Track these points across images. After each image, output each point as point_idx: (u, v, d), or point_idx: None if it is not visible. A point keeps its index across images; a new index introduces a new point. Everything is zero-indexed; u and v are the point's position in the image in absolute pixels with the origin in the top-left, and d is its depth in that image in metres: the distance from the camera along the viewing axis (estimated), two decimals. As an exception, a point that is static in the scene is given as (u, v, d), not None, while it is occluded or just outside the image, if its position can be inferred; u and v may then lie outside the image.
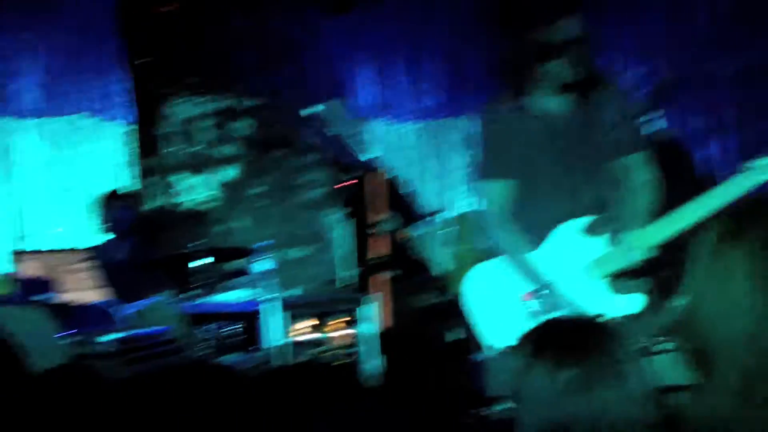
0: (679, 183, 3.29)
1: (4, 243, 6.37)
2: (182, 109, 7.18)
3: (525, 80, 3.25)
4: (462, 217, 6.35)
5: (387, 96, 7.13)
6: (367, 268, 5.94)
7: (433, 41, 6.92)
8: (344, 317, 5.19)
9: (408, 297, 5.94)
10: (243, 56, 7.06)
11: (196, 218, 6.94)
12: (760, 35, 5.53)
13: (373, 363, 5.02)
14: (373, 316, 5.17)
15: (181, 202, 7.09)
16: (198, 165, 7.15)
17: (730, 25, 5.64)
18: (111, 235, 5.91)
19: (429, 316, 5.87)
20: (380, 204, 6.03)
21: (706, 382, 1.66)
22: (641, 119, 3.51)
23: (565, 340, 1.78)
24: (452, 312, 4.07)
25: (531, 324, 1.92)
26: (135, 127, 7.05)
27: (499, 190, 3.34)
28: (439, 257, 6.14)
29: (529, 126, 3.29)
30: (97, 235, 5.95)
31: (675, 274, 1.80)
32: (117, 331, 3.72)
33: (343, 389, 2.02)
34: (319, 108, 5.79)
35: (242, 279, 5.05)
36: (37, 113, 6.84)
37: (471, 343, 3.45)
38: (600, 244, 3.23)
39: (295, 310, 4.89)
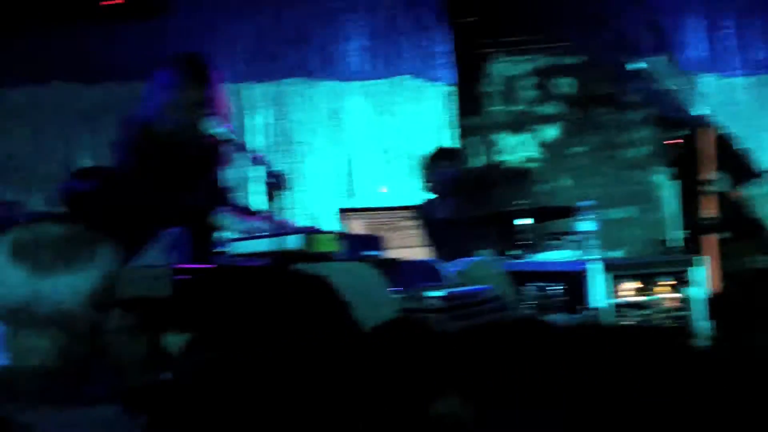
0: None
1: (334, 202, 6.66)
2: (503, 69, 7.18)
3: None
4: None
5: (716, 50, 6.89)
6: (697, 229, 5.72)
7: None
8: (670, 280, 4.99)
9: (740, 260, 5.66)
10: (564, 13, 6.97)
11: (518, 177, 6.94)
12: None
13: (701, 328, 4.82)
14: (702, 280, 4.96)
15: (503, 161, 7.11)
16: (519, 124, 7.14)
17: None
18: (434, 195, 6.03)
19: (763, 280, 5.56)
20: (710, 162, 5.78)
21: None
22: None
23: None
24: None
25: None
26: (455, 87, 7.13)
27: None
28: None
29: None
30: (420, 194, 6.09)
31: None
32: (443, 287, 3.76)
33: (671, 353, 1.94)
34: (645, 63, 5.65)
35: (565, 239, 5.00)
36: (362, 76, 7.10)
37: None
38: None
39: (618, 271, 4.77)
